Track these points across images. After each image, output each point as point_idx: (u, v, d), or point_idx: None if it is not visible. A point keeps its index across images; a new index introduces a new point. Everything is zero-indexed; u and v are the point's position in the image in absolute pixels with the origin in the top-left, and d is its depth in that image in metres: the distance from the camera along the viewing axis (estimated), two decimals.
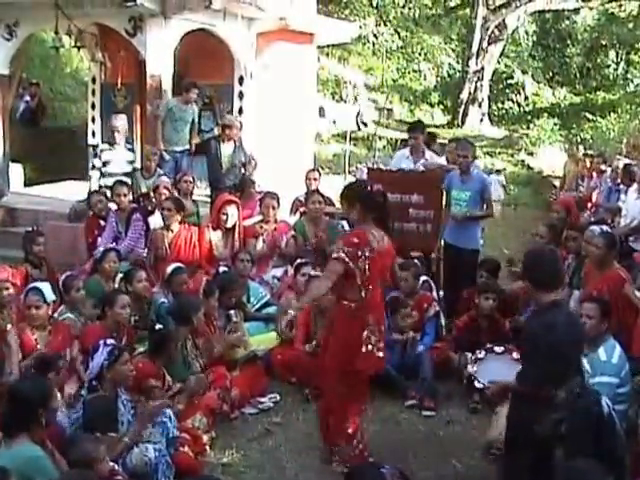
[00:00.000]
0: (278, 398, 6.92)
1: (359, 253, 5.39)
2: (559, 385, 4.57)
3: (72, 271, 8.45)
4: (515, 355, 6.39)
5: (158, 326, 6.11)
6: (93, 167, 10.54)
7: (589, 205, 12.45)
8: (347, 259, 5.37)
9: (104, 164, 10.46)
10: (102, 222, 9.19)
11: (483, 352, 6.78)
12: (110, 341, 5.41)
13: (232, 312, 7.41)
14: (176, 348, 6.26)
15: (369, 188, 5.71)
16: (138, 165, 10.90)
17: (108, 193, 9.70)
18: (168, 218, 8.69)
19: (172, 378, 6.15)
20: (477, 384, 6.61)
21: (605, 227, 7.18)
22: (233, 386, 6.62)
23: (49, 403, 4.49)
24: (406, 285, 7.73)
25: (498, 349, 6.71)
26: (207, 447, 5.91)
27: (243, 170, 10.98)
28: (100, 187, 10.27)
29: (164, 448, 5.22)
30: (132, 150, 11.03)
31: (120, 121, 10.93)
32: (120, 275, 7.82)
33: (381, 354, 5.61)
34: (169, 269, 7.74)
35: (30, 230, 8.47)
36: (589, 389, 5.24)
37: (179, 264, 7.92)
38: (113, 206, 9.32)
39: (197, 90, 11.62)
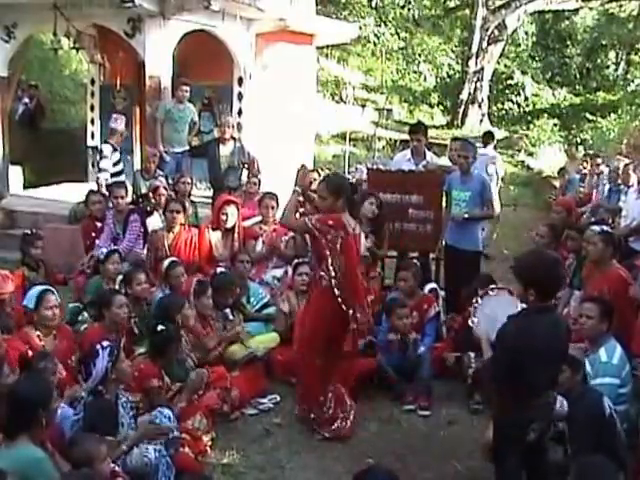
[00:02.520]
0: (278, 399, 6.90)
1: (332, 234, 5.92)
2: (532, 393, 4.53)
3: (71, 273, 8.48)
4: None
5: (160, 327, 6.08)
6: (100, 170, 10.47)
7: (588, 205, 12.42)
8: (315, 229, 5.97)
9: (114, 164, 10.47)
10: (99, 224, 9.18)
11: (480, 300, 6.69)
12: (105, 343, 5.37)
13: (227, 311, 7.42)
14: (177, 349, 6.22)
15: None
16: (121, 167, 10.85)
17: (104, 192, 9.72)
18: (173, 219, 8.69)
19: (170, 379, 6.14)
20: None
21: (605, 227, 7.17)
22: (233, 387, 6.60)
23: (49, 404, 4.47)
24: (406, 285, 7.72)
25: (492, 292, 6.54)
26: (207, 448, 5.90)
27: (246, 171, 11.00)
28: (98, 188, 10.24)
29: (164, 449, 5.21)
30: (116, 150, 10.85)
31: (120, 124, 10.90)
32: (120, 277, 7.82)
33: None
34: (165, 263, 7.76)
35: (28, 233, 8.44)
36: (591, 390, 5.24)
37: (173, 258, 7.96)
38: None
39: (187, 87, 11.62)
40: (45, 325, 6.18)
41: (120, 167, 10.68)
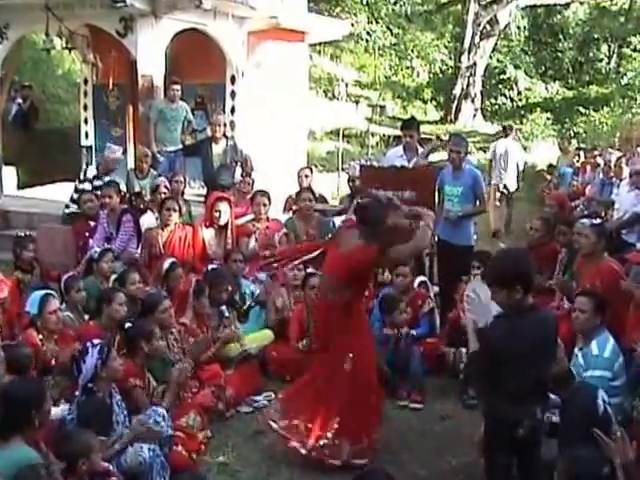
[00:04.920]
0: (273, 396, 6.90)
1: None
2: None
3: (65, 273, 8.47)
4: None
5: (127, 325, 6.06)
6: (81, 190, 10.38)
7: (582, 199, 12.47)
8: None
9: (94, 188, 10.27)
10: (92, 223, 9.19)
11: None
12: (96, 341, 5.37)
13: (223, 308, 7.43)
14: (149, 344, 6.04)
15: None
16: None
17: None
18: (169, 217, 8.71)
19: (155, 377, 6.09)
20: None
21: (595, 220, 7.19)
22: (228, 384, 6.64)
23: (43, 404, 4.48)
24: (404, 281, 7.76)
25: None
26: (202, 446, 5.91)
27: (240, 169, 11.01)
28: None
29: (158, 448, 5.21)
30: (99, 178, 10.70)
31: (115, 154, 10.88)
32: (114, 276, 7.84)
33: None
34: (165, 264, 7.75)
35: (20, 236, 8.45)
36: (586, 385, 5.25)
37: (174, 259, 7.96)
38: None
39: (177, 86, 11.62)
40: (49, 329, 6.20)
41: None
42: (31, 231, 9.33)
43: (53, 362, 6.01)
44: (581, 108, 26.62)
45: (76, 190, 10.24)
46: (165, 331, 6.58)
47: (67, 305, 7.00)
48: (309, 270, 7.81)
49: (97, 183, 10.22)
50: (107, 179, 10.15)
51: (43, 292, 6.38)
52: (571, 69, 32.64)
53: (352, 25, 22.72)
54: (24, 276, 7.85)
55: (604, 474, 3.93)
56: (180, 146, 11.78)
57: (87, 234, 9.11)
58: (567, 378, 5.19)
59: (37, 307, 6.20)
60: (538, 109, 26.71)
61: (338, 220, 8.35)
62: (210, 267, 7.97)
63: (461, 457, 5.89)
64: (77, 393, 5.23)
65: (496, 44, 28.64)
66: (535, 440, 4.67)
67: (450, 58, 30.01)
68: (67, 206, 10.23)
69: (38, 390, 4.54)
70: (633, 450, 4.18)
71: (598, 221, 7.14)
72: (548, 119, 25.59)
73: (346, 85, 24.90)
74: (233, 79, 13.17)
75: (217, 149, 10.85)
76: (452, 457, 5.93)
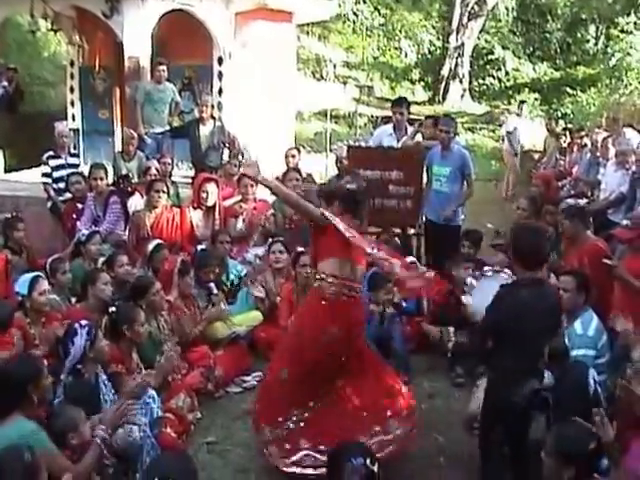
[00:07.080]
0: (262, 376, 6.94)
1: None
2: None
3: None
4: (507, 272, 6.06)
5: (111, 309, 6.03)
6: (44, 174, 10.36)
7: (568, 179, 12.51)
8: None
9: (53, 169, 10.25)
10: (80, 205, 9.17)
11: (474, 280, 6.57)
12: (84, 322, 5.37)
13: (212, 285, 7.44)
14: (132, 329, 5.96)
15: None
16: (80, 169, 10.71)
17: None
18: (158, 199, 8.72)
19: (146, 358, 6.10)
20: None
21: (580, 200, 7.23)
22: (217, 365, 6.67)
23: (39, 380, 4.50)
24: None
25: (489, 273, 6.33)
26: (192, 426, 5.96)
27: (227, 151, 11.01)
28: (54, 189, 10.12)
29: (148, 429, 5.23)
30: (77, 155, 10.89)
31: (65, 127, 10.86)
32: (102, 259, 7.83)
33: None
34: (150, 246, 7.77)
35: (10, 216, 8.42)
36: (578, 364, 5.29)
37: (159, 241, 7.97)
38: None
39: (163, 67, 11.53)
40: (38, 311, 6.21)
41: (62, 172, 10.46)
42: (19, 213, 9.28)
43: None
44: (569, 89, 26.63)
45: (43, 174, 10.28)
46: (156, 313, 6.62)
47: (53, 288, 6.99)
48: (299, 249, 7.82)
49: (53, 163, 10.24)
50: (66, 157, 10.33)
51: (34, 274, 6.40)
52: (559, 50, 32.53)
53: (340, 5, 22.64)
54: (13, 257, 7.83)
55: (590, 449, 3.99)
56: (167, 127, 11.75)
57: (74, 216, 9.11)
58: (562, 353, 5.26)
59: (27, 288, 6.21)
60: (526, 90, 26.74)
61: None
62: (199, 248, 7.99)
63: (448, 434, 5.94)
64: (62, 376, 5.23)
65: (484, 24, 28.57)
66: (528, 417, 4.73)
67: (438, 39, 29.89)
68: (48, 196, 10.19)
69: (33, 367, 4.57)
70: (613, 430, 4.25)
71: (583, 202, 7.19)
72: (536, 100, 25.61)
73: (334, 66, 24.93)
74: (220, 60, 13.12)
75: (204, 130, 10.86)
76: (439, 434, 5.97)
